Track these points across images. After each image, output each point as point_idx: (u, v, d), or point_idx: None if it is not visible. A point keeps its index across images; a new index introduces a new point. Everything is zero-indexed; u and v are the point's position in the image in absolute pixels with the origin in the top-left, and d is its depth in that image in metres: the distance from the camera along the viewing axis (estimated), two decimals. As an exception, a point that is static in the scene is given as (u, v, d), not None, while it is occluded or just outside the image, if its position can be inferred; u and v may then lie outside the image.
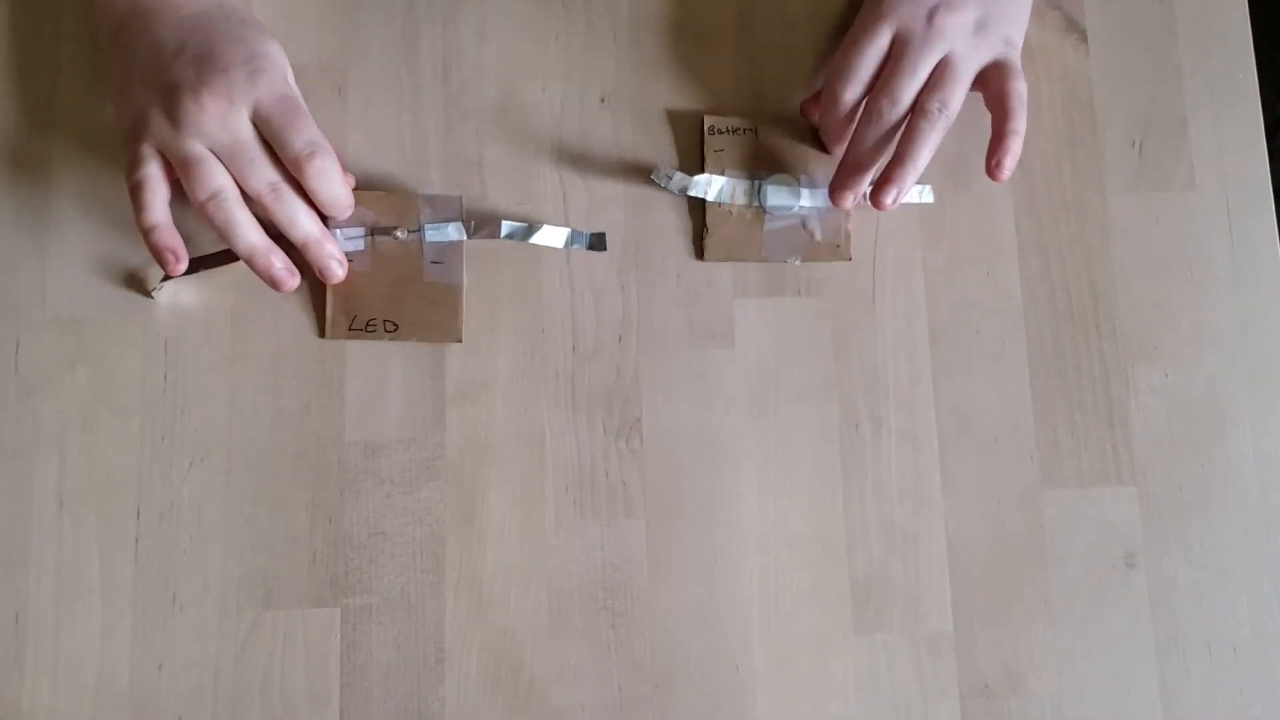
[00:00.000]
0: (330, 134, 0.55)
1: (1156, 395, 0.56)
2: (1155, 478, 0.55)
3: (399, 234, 0.54)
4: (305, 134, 0.50)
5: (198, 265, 0.53)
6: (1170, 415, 0.56)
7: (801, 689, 0.53)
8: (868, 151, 0.53)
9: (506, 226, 0.54)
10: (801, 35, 0.58)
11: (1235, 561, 0.55)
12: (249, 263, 0.51)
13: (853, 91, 0.53)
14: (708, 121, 0.56)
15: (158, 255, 0.50)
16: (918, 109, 0.51)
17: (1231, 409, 0.56)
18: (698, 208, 0.56)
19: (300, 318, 0.55)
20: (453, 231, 0.54)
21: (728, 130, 0.56)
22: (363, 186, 0.55)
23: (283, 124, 0.49)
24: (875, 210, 0.52)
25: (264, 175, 0.49)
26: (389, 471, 0.54)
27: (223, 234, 0.50)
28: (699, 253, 0.56)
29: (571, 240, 0.55)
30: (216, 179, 0.49)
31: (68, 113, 0.56)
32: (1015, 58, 0.54)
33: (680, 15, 0.58)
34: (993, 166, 0.52)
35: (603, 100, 0.57)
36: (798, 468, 0.55)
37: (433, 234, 0.54)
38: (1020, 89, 0.52)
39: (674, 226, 0.56)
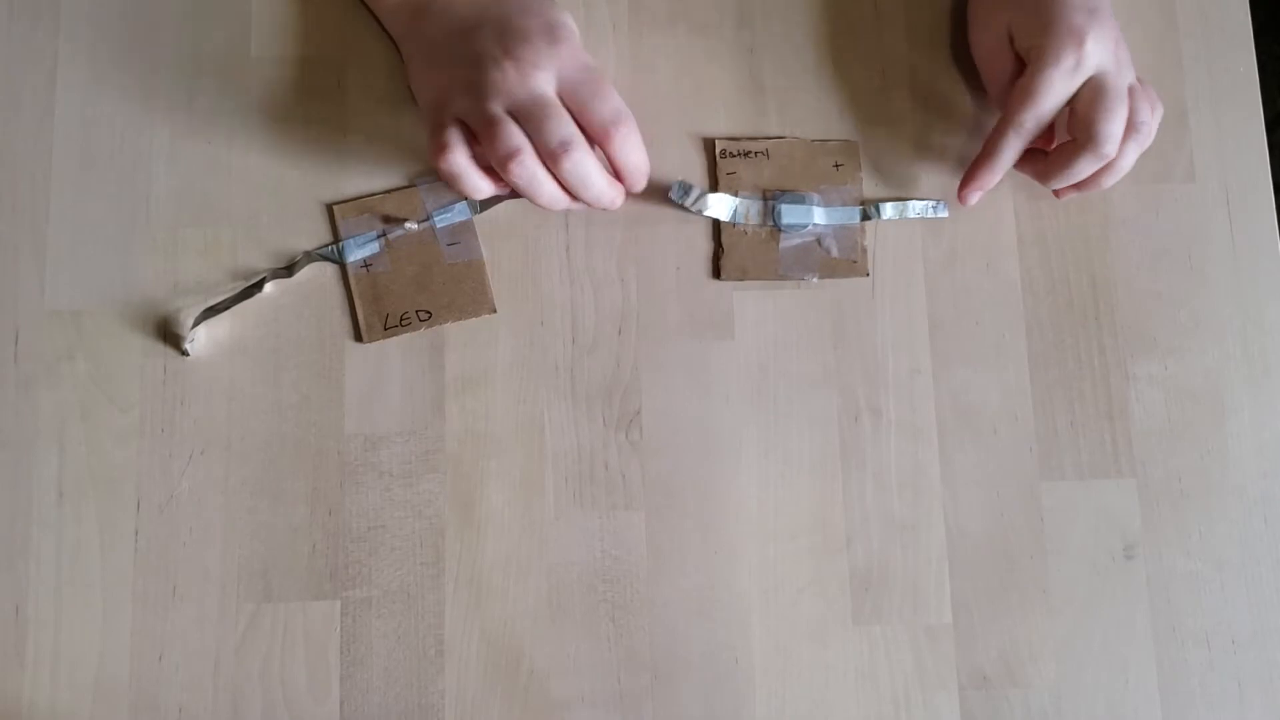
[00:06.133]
0: (329, 127, 0.56)
1: (1156, 386, 0.56)
2: (1154, 469, 0.55)
3: (410, 225, 0.55)
4: (611, 101, 0.51)
5: (223, 305, 0.54)
6: (1169, 406, 0.56)
7: (800, 679, 0.53)
8: (1059, 172, 0.53)
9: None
10: (801, 25, 0.58)
11: (1234, 553, 0.55)
12: (551, 209, 0.52)
13: (1039, 131, 0.53)
14: (719, 145, 0.56)
15: (469, 192, 0.51)
16: (1130, 134, 0.52)
17: (1231, 400, 0.56)
18: (710, 223, 0.56)
19: (301, 312, 0.55)
20: (461, 211, 0.55)
21: (740, 154, 0.56)
22: (363, 178, 0.55)
23: (589, 91, 0.50)
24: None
25: (560, 130, 0.50)
26: (389, 464, 0.54)
27: (525, 191, 0.50)
28: (715, 272, 0.56)
29: None
30: (514, 137, 0.49)
31: (67, 103, 0.56)
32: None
33: (681, 6, 0.58)
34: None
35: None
36: (797, 459, 0.55)
37: (442, 217, 0.55)
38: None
39: (673, 218, 0.56)
